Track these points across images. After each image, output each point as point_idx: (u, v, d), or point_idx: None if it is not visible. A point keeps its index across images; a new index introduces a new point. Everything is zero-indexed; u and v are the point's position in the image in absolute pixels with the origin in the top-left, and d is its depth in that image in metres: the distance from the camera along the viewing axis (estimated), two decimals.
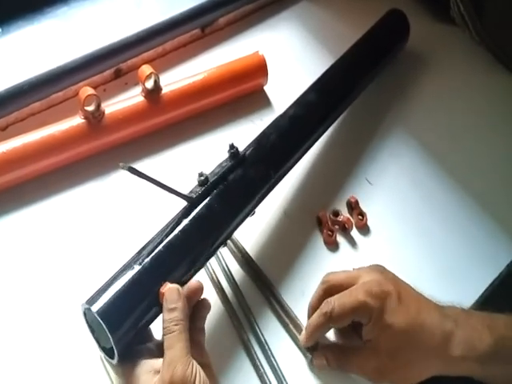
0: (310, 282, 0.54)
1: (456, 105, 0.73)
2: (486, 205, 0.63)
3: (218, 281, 0.54)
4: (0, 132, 0.61)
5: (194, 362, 0.39)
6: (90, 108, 0.58)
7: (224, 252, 0.56)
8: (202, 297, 0.45)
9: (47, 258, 0.54)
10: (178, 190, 0.45)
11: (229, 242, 0.55)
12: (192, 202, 0.46)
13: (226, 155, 0.50)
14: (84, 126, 0.58)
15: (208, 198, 0.47)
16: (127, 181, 0.60)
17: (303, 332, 0.49)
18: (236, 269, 0.55)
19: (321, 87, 0.62)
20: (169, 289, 0.41)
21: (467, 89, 0.74)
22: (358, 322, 0.47)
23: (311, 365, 0.49)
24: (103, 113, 0.59)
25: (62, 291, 0.52)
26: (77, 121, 0.58)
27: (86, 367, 0.47)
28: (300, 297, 0.54)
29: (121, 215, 0.58)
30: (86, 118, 0.58)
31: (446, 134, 0.70)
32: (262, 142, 0.54)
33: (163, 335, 0.40)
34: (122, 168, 0.41)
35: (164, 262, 0.43)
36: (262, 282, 0.54)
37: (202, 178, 0.47)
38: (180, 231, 0.45)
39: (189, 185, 0.49)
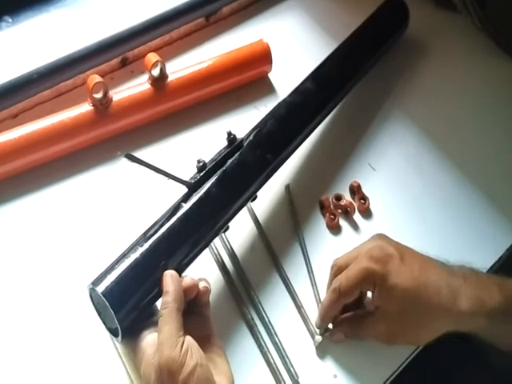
0: (314, 264, 0.56)
1: (456, 91, 0.73)
2: (486, 190, 0.64)
3: (222, 260, 0.55)
4: (11, 119, 0.63)
5: (186, 340, 0.40)
6: (98, 95, 0.59)
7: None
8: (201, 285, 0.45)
9: (55, 241, 0.56)
10: (177, 176, 0.47)
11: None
12: (190, 187, 0.48)
13: (226, 143, 0.52)
14: (92, 112, 0.59)
15: (206, 183, 0.49)
16: (134, 167, 0.61)
17: (317, 314, 0.51)
18: (240, 247, 0.57)
19: (319, 74, 0.63)
20: (164, 274, 0.43)
21: (468, 75, 0.75)
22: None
23: (318, 345, 0.51)
24: (111, 100, 0.60)
25: (70, 274, 0.53)
26: (85, 108, 0.59)
27: (96, 346, 0.49)
28: (304, 279, 0.55)
29: (126, 200, 0.59)
30: (93, 105, 0.59)
31: (447, 119, 0.70)
32: (259, 128, 0.56)
33: None
34: (120, 156, 0.42)
35: (165, 244, 0.44)
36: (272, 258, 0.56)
37: (200, 164, 0.48)
38: (180, 215, 0.46)
39: (194, 170, 0.50)
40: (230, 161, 0.51)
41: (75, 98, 0.62)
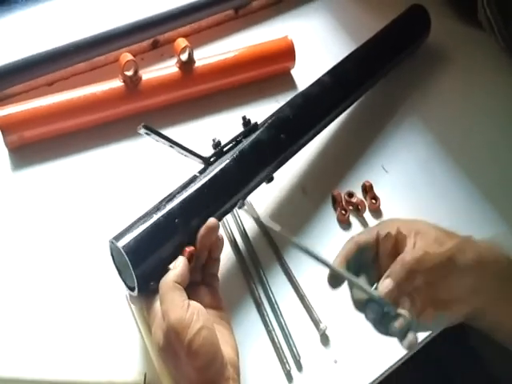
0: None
1: (472, 105, 0.75)
2: (496, 202, 0.65)
3: (235, 240, 0.57)
4: (47, 87, 0.65)
5: (191, 304, 0.41)
6: (129, 73, 0.61)
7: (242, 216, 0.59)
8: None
9: (75, 206, 0.58)
10: (193, 150, 0.49)
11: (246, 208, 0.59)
12: (206, 161, 0.50)
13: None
14: (122, 88, 0.62)
15: (222, 159, 0.51)
16: (157, 144, 0.63)
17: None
18: (251, 230, 0.59)
19: (337, 71, 0.65)
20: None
21: (485, 91, 0.76)
22: None
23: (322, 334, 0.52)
24: (140, 78, 0.63)
25: (91, 237, 0.56)
26: (116, 83, 0.62)
27: (111, 305, 0.52)
28: (310, 268, 0.57)
29: (146, 173, 0.62)
30: (124, 81, 0.62)
31: (461, 131, 0.72)
32: (275, 115, 0.57)
33: None
34: (139, 130, 0.44)
35: (181, 211, 0.46)
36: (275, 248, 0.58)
37: (215, 141, 0.51)
38: (196, 186, 0.48)
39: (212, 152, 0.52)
40: (245, 140, 0.53)
41: (107, 74, 0.64)
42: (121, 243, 0.43)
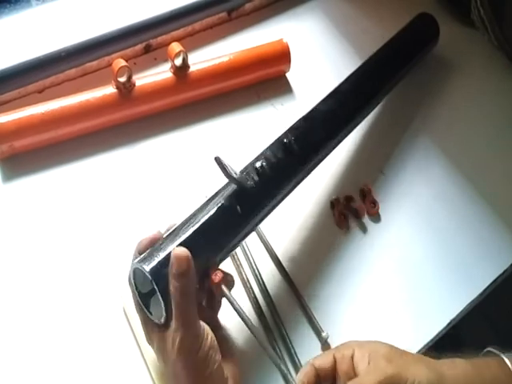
0: (321, 261, 0.58)
1: (473, 110, 0.75)
2: (495, 205, 0.65)
3: (249, 281, 0.55)
4: (37, 94, 0.64)
5: (204, 328, 0.40)
6: (122, 79, 0.60)
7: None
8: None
9: (71, 216, 0.57)
10: (241, 182, 0.46)
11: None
12: (251, 189, 0.47)
13: (274, 139, 0.51)
14: (115, 95, 0.60)
15: (260, 188, 0.48)
16: (153, 151, 0.63)
17: None
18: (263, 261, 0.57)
19: (354, 82, 0.63)
20: (180, 255, 0.41)
21: (484, 95, 0.76)
22: None
23: None
24: (134, 84, 0.61)
25: (84, 245, 0.54)
26: (109, 90, 0.60)
27: (109, 319, 0.50)
28: (312, 275, 0.57)
29: (143, 181, 0.60)
30: (117, 87, 0.60)
31: (463, 137, 0.71)
32: (307, 141, 0.54)
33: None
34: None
35: (207, 234, 0.43)
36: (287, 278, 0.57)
37: (261, 170, 0.48)
38: (227, 210, 0.45)
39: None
40: (281, 170, 0.50)
41: (99, 79, 0.63)
42: (147, 267, 0.40)
